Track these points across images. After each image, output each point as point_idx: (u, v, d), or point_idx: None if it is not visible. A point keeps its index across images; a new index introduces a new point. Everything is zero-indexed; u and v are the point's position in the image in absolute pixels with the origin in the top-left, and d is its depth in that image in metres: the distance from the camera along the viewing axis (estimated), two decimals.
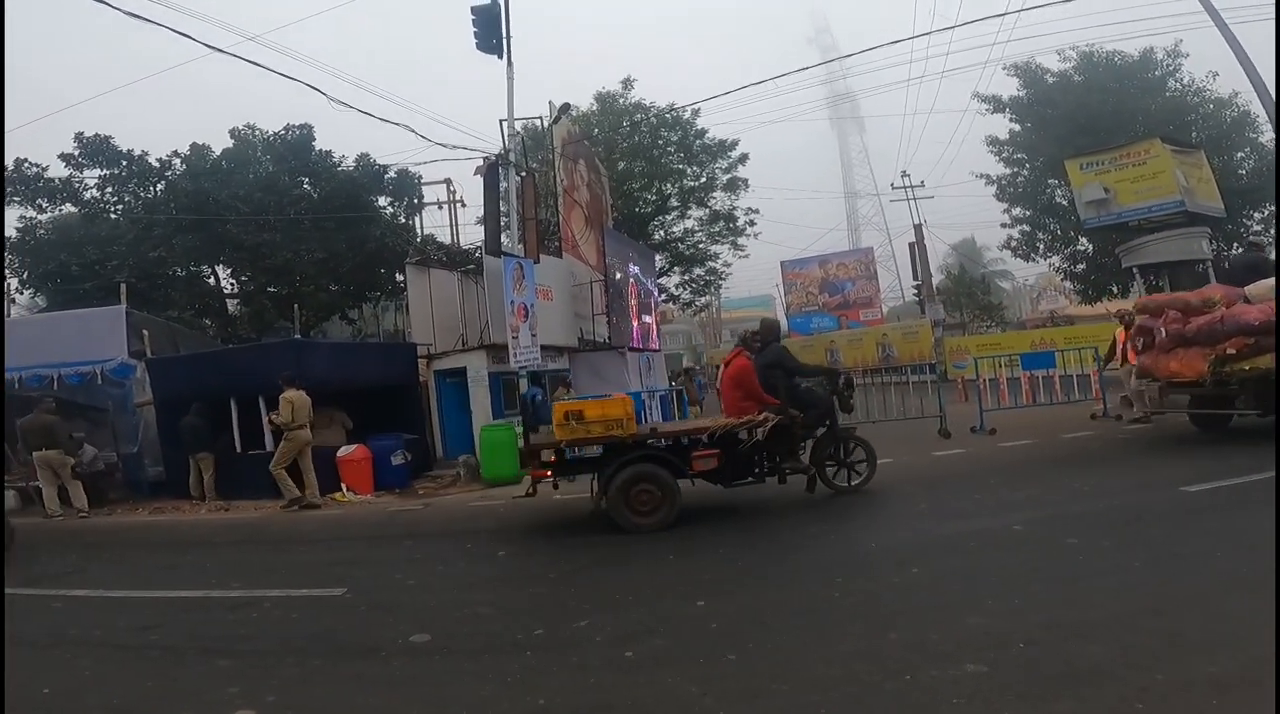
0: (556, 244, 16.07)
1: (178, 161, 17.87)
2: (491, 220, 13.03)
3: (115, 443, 11.29)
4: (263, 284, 18.53)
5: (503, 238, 13.46)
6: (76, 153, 16.67)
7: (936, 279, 34.60)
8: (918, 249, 30.46)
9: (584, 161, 17.08)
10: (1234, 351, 7.32)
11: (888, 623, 3.67)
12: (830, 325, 37.95)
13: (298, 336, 12.95)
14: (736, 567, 5.10)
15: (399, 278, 18.92)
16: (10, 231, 16.55)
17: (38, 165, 16.38)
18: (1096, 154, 14.60)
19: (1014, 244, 25.98)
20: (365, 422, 11.25)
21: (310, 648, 4.00)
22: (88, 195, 17.18)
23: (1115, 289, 23.98)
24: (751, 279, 47.78)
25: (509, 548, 6.45)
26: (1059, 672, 2.96)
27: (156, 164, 17.52)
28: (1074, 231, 23.11)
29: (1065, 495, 6.36)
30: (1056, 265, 26.37)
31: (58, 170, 16.67)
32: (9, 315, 15.43)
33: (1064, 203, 22.57)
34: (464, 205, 22.83)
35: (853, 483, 7.29)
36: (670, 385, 14.53)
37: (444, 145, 24.16)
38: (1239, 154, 21.21)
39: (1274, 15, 8.70)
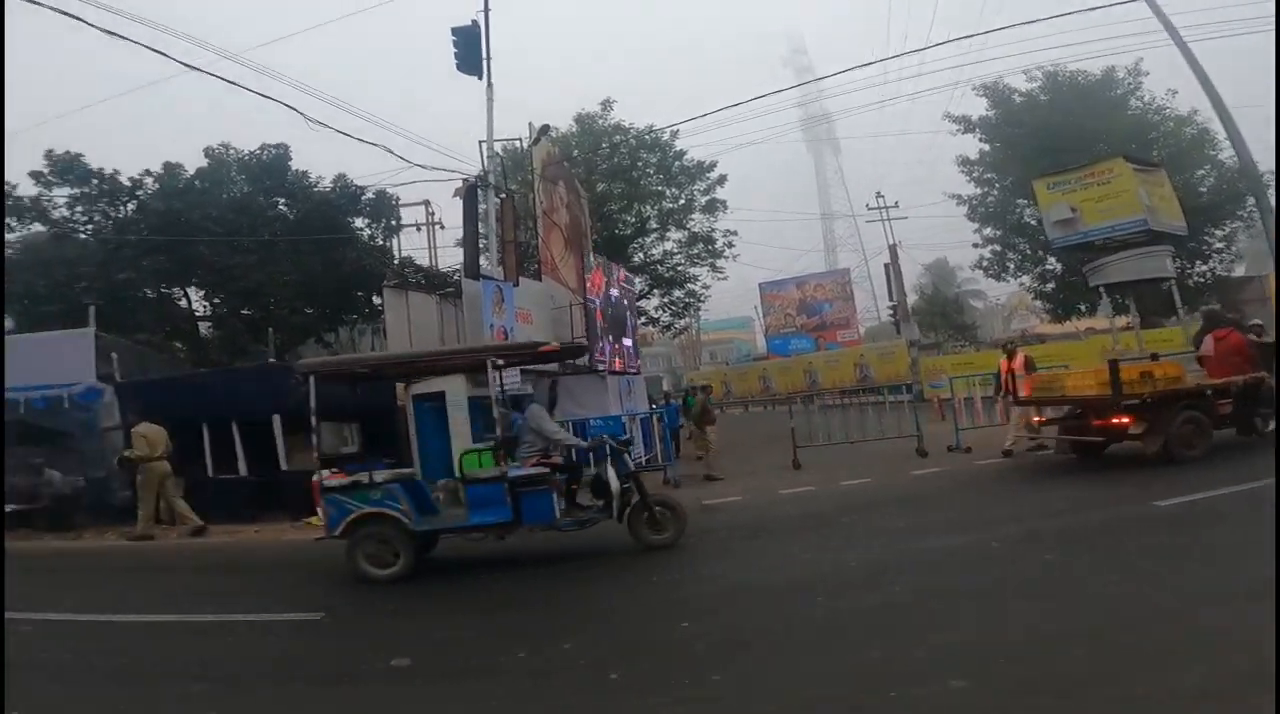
0: (535, 267, 16.05)
1: (150, 180, 17.62)
2: (470, 243, 12.96)
3: (82, 468, 10.98)
4: (235, 307, 18.21)
5: (482, 260, 13.44)
6: (46, 171, 16.40)
7: (911, 299, 35.15)
8: (892, 270, 30.92)
9: (563, 183, 17.05)
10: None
11: (871, 641, 3.67)
12: (808, 347, 38.25)
13: (272, 361, 12.74)
14: (719, 587, 5.08)
15: (376, 301, 18.73)
16: None
17: (6, 183, 16.06)
18: (1062, 173, 14.92)
19: (985, 264, 26.51)
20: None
21: (287, 672, 3.91)
22: (57, 214, 16.88)
23: (1084, 308, 24.56)
24: (730, 301, 48.10)
25: (494, 572, 6.31)
26: (1042, 685, 2.98)
27: (128, 183, 17.27)
28: (1042, 251, 23.62)
29: (1040, 512, 6.44)
30: (1027, 285, 26.93)
31: (27, 188, 16.38)
32: None
33: (1033, 222, 23.09)
34: (443, 227, 22.75)
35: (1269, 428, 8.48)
36: (652, 408, 14.45)
37: (422, 166, 23.98)
38: (1199, 172, 21.87)
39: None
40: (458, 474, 10.73)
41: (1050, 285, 25.16)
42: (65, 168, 16.53)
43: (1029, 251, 25.07)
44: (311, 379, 6.56)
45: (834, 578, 5.01)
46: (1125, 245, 13.69)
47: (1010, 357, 10.55)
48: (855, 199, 59.61)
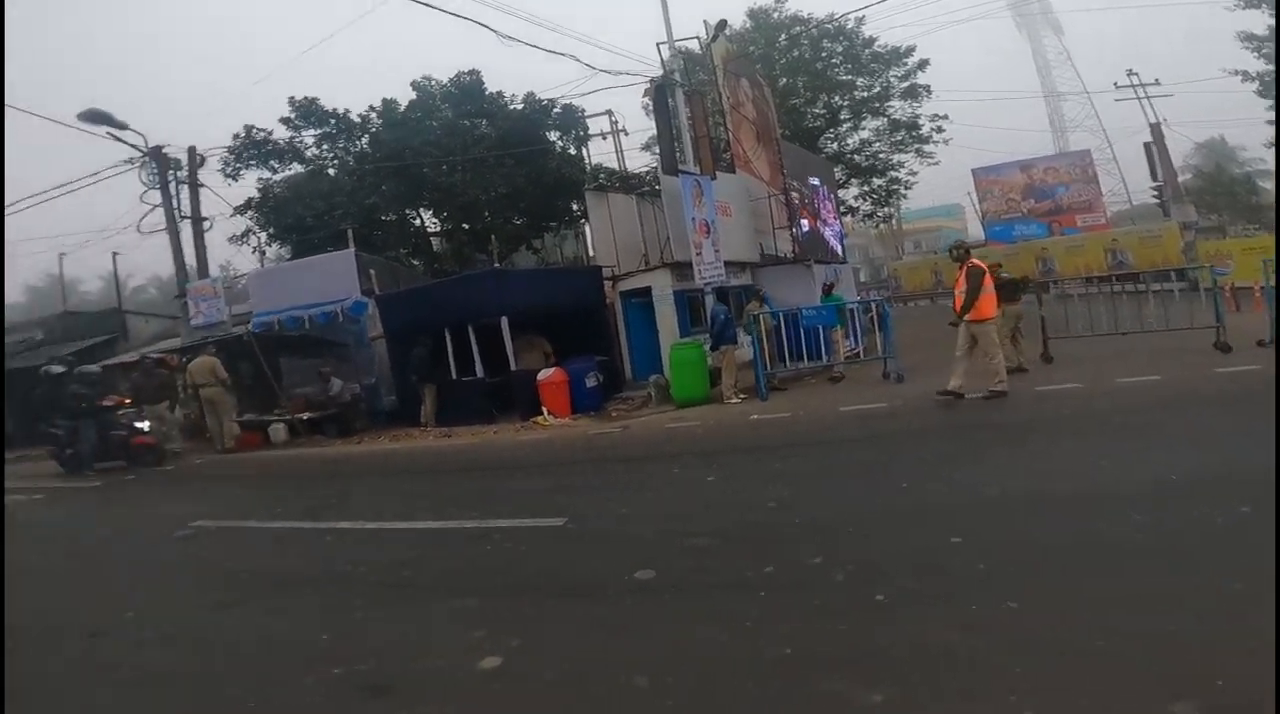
0: (727, 161, 15.56)
1: (374, 115, 19.34)
2: (665, 140, 12.89)
3: (357, 375, 12.72)
4: (458, 221, 19.86)
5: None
6: (293, 116, 18.57)
7: (1182, 179, 29.15)
8: (1156, 149, 25.72)
9: (746, 79, 16.44)
10: None
11: (1202, 565, 3.02)
12: (1039, 233, 33.67)
13: (496, 266, 13.69)
14: (995, 496, 4.42)
15: (574, 207, 19.46)
16: (251, 191, 19.05)
17: (264, 131, 18.51)
18: None
19: None
20: (558, 345, 11.70)
21: (542, 585, 3.97)
22: (309, 154, 19.23)
23: None
24: (935, 188, 43.46)
25: (716, 473, 6.17)
26: None
27: (358, 120, 19.10)
28: None
29: None
30: None
31: (281, 133, 18.78)
32: (260, 266, 17.95)
33: None
34: (626, 134, 22.71)
35: None
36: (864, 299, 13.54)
37: (608, 72, 23.84)
38: None
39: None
40: (667, 367, 10.97)
41: None
42: (306, 111, 18.61)
43: None
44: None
45: (1151, 492, 4.10)
46: None
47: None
48: (1089, 79, 49.69)
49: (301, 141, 19.08)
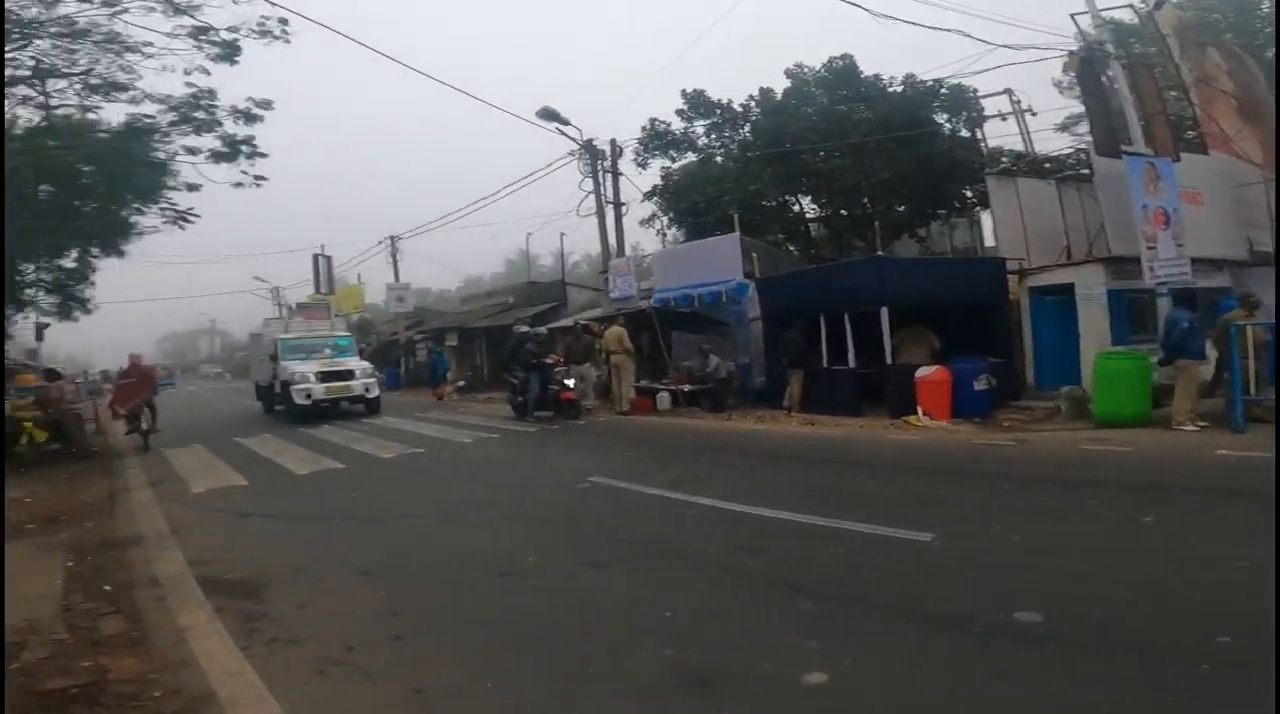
0: (1190, 141, 13.16)
1: (753, 104, 20.12)
2: (1099, 118, 11.51)
3: (734, 354, 13.48)
4: (836, 208, 19.56)
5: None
6: (685, 107, 20.36)
7: None
8: None
9: (1215, 48, 13.71)
10: None
11: None
12: None
13: (879, 254, 13.19)
14: None
15: (966, 193, 18.06)
16: (656, 178, 21.50)
17: (665, 123, 20.68)
18: None
19: None
20: (946, 341, 10.71)
21: (894, 605, 3.57)
22: (700, 143, 20.99)
23: None
24: None
25: (1156, 513, 4.83)
26: None
27: (739, 109, 20.10)
28: None
29: None
30: None
31: (678, 124, 20.80)
32: (662, 247, 20.20)
33: None
34: (1033, 113, 19.39)
35: None
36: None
37: (1010, 47, 20.32)
38: None
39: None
40: (1087, 378, 9.09)
41: None
42: (695, 103, 20.21)
43: None
44: None
45: None
46: None
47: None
48: None
49: (694, 131, 20.88)
